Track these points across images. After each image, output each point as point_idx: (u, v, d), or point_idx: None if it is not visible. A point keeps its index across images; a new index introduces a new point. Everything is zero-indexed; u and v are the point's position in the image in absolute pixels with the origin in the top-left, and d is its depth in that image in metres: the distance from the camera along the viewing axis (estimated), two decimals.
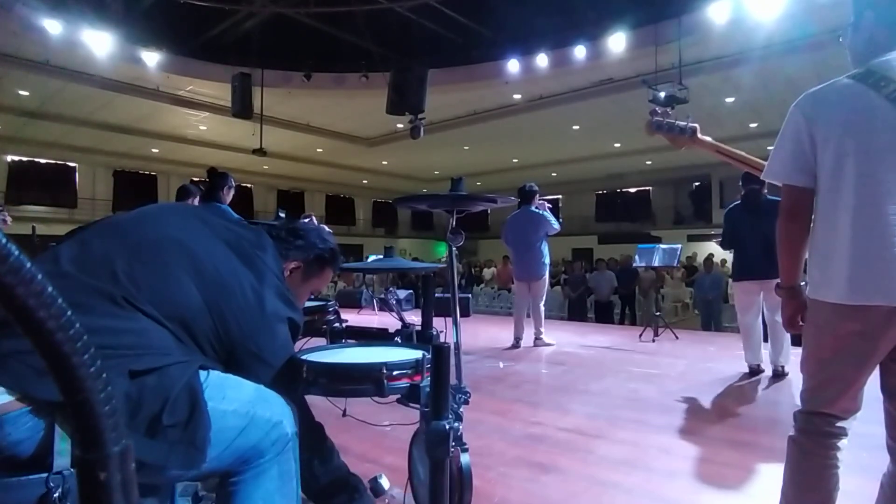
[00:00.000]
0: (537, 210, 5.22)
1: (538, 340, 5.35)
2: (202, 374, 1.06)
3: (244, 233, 1.30)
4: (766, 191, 3.93)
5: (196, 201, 4.50)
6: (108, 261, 1.09)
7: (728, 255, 10.03)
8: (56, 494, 0.87)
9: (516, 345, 5.33)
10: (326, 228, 1.61)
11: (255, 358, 1.18)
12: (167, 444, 0.95)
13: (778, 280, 1.48)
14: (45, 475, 0.87)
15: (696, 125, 1.79)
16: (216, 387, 1.07)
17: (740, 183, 4.07)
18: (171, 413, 0.96)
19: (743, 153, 1.78)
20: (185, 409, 0.98)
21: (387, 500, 1.76)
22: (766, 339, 4.00)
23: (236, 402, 1.08)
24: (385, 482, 1.39)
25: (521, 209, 5.25)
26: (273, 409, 1.12)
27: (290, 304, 1.26)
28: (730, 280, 8.24)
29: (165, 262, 1.13)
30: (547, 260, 5.29)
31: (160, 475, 0.99)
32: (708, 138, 1.81)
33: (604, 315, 9.89)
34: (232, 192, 4.04)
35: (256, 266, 1.23)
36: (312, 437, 1.28)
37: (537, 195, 5.19)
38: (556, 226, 5.22)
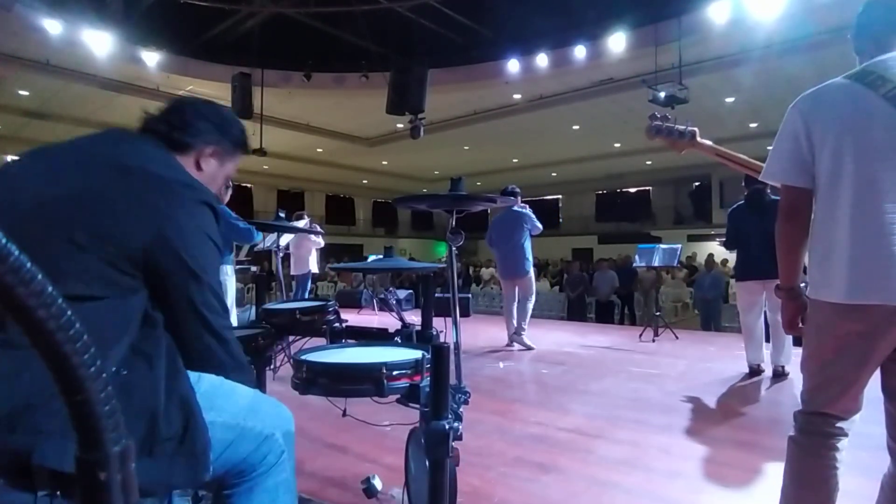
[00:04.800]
0: (520, 209, 5.27)
1: (516, 336, 5.24)
2: (193, 375, 1.02)
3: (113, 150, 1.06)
4: (769, 190, 3.93)
5: None
6: None
7: (728, 255, 10.00)
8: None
9: (511, 344, 5.32)
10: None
11: (179, 261, 0.98)
12: (166, 459, 0.90)
13: (778, 281, 1.48)
14: None
15: (695, 129, 1.78)
16: (205, 396, 1.02)
17: (743, 183, 4.08)
18: (166, 425, 0.91)
19: (742, 156, 1.78)
20: (180, 420, 0.93)
21: (386, 500, 1.77)
22: (767, 339, 4.00)
23: (225, 413, 1.04)
24: (378, 482, 1.38)
25: (506, 209, 5.34)
26: (265, 421, 1.08)
27: (195, 185, 1.06)
28: (731, 280, 8.26)
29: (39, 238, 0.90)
30: (530, 257, 5.30)
31: (166, 492, 0.95)
32: (707, 142, 1.81)
33: (604, 315, 9.90)
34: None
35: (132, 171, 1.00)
36: None
37: (519, 196, 5.25)
38: (539, 224, 5.28)
